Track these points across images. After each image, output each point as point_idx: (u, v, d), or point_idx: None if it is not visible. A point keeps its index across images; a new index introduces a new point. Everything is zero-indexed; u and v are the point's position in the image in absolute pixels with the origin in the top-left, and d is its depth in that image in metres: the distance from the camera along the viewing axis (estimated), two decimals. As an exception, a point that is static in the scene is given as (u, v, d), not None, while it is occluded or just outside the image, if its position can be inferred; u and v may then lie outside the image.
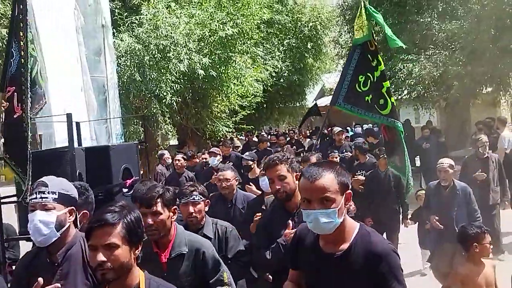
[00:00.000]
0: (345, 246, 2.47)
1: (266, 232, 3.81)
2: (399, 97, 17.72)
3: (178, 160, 9.87)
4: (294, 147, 15.71)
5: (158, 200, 3.32)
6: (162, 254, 3.37)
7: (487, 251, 4.53)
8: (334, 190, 2.40)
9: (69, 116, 5.38)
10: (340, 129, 12.34)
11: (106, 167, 5.45)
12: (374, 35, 7.62)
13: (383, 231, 7.37)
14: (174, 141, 18.32)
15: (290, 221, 3.59)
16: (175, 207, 3.51)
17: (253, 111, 17.40)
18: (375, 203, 7.72)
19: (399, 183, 7.41)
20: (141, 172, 9.96)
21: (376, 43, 7.12)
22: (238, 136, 19.26)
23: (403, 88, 16.38)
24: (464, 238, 4.61)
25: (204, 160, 10.76)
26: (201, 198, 4.20)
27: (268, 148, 13.00)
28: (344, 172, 2.52)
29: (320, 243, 2.54)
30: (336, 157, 9.19)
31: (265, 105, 20.73)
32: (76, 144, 6.15)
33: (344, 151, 10.82)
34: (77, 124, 6.56)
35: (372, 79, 6.88)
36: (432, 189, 6.68)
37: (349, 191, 2.50)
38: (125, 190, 5.57)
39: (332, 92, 7.57)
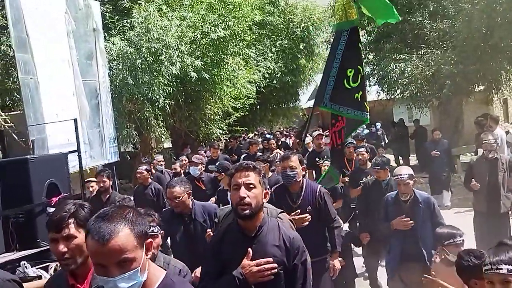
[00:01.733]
0: None
1: (216, 257, 3.07)
2: (392, 96, 17.79)
3: (141, 172, 8.57)
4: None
5: (70, 220, 2.59)
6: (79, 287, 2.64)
7: None
8: (132, 247, 1.97)
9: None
10: (320, 132, 10.87)
11: (25, 184, 4.73)
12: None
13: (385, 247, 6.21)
14: (168, 144, 18.30)
15: (250, 250, 2.92)
16: None
17: (247, 112, 17.40)
18: (374, 217, 6.24)
19: None
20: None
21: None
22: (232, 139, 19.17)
23: (396, 88, 16.45)
24: (460, 271, 3.59)
25: (174, 170, 9.60)
26: (158, 230, 3.54)
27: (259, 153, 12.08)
28: (140, 218, 2.08)
29: None
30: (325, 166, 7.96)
31: (258, 107, 20.74)
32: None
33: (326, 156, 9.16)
34: (-1, 133, 5.72)
35: (362, 72, 6.23)
36: (390, 202, 5.57)
37: (149, 240, 2.11)
38: (50, 210, 4.81)
39: None
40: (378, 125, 20.51)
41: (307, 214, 4.88)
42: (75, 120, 6.64)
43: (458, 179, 13.29)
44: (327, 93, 6.16)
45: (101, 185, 7.67)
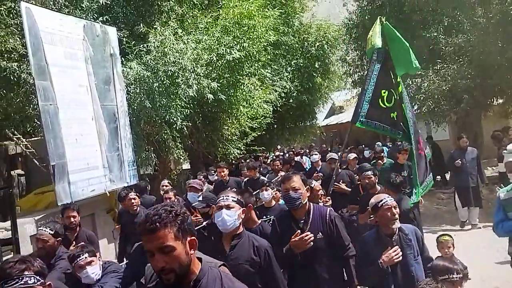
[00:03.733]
0: None
1: None
2: (410, 112, 17.71)
3: (134, 198, 7.82)
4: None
5: None
6: None
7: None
8: None
9: None
10: (333, 156, 10.32)
11: None
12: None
13: None
14: (186, 166, 18.38)
15: None
16: None
17: (264, 132, 17.42)
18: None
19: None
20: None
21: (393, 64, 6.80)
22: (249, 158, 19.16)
23: (413, 104, 16.36)
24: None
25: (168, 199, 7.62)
26: (37, 280, 2.80)
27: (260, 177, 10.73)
28: None
29: None
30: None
31: (275, 126, 20.76)
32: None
33: (341, 181, 9.06)
34: None
35: (395, 96, 6.64)
36: (370, 241, 4.50)
37: None
38: None
39: (342, 110, 7.29)
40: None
41: (308, 233, 4.32)
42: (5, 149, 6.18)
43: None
44: (362, 111, 6.45)
45: (71, 220, 6.50)
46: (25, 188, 13.30)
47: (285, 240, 4.26)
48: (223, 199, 4.10)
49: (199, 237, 2.46)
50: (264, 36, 13.30)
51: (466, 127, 16.96)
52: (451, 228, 10.70)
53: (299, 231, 4.34)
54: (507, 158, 6.14)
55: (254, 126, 15.35)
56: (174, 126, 11.05)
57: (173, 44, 10.75)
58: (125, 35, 11.04)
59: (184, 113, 11.09)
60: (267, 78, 15.96)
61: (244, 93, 13.38)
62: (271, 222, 6.51)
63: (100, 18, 10.24)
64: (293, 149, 23.69)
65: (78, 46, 8.66)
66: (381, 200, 4.41)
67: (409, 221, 5.84)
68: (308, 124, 25.08)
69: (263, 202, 6.71)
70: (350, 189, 8.87)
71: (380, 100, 6.49)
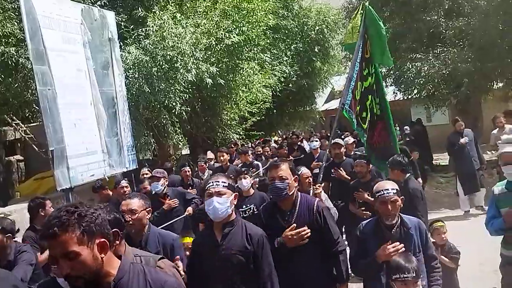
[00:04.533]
0: None
1: None
2: (409, 96, 17.66)
3: (126, 187, 7.66)
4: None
5: None
6: None
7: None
8: None
9: None
10: (337, 141, 9.08)
11: None
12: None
13: None
14: (185, 151, 18.39)
15: None
16: None
17: (263, 117, 17.41)
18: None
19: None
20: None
21: (370, 51, 6.83)
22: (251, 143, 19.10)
23: (413, 88, 16.31)
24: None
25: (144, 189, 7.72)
26: None
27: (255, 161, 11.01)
28: None
29: None
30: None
31: (275, 111, 20.74)
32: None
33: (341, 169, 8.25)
34: None
35: (360, 88, 6.62)
36: (368, 232, 4.12)
37: None
38: None
39: (342, 95, 7.11)
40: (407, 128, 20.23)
41: (305, 228, 3.98)
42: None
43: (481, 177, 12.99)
44: (347, 101, 6.32)
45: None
46: (24, 173, 13.32)
47: (269, 233, 3.92)
48: (212, 185, 3.74)
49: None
50: (264, 20, 13.24)
51: (466, 111, 16.92)
52: (451, 214, 10.70)
53: (294, 224, 4.03)
54: (502, 148, 5.73)
55: (253, 111, 15.33)
56: (173, 111, 11.04)
57: (171, 28, 10.71)
58: (124, 19, 10.98)
59: (183, 98, 11.08)
60: (267, 63, 15.90)
61: (243, 77, 13.34)
62: (251, 212, 6.42)
63: (98, 2, 10.19)
64: (297, 134, 23.47)
65: (76, 31, 8.59)
66: (379, 192, 4.04)
67: (418, 201, 5.78)
68: (307, 109, 25.06)
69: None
70: (350, 178, 8.03)
71: (356, 91, 6.47)
